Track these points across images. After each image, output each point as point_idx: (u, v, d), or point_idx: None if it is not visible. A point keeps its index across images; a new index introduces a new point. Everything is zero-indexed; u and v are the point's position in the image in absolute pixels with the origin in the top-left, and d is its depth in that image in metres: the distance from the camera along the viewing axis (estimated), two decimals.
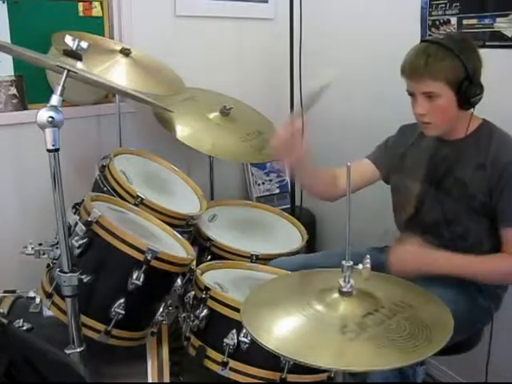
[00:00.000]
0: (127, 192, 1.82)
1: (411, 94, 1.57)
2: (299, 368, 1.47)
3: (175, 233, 1.82)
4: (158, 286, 1.63)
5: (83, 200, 1.62)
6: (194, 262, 1.75)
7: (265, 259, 1.91)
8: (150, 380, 1.60)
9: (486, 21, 1.87)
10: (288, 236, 2.16)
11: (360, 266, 1.17)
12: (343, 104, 2.59)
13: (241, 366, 1.49)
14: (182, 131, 2.15)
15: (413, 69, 1.53)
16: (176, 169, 2.16)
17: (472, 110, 1.56)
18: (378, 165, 1.80)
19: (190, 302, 1.62)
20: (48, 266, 1.65)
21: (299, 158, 1.61)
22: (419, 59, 1.51)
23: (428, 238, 1.69)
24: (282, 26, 2.45)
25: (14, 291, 1.87)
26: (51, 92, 1.39)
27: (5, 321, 1.49)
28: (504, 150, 1.54)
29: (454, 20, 1.98)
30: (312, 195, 1.80)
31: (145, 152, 2.13)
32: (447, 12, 2.00)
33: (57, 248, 1.58)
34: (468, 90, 1.49)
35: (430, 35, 2.05)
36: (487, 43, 1.85)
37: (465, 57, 1.49)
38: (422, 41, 1.71)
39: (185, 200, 2.05)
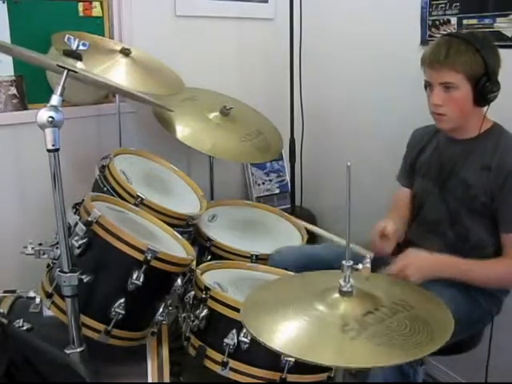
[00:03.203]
0: (127, 192, 1.82)
1: (429, 85, 1.58)
2: (299, 368, 1.47)
3: (175, 233, 1.82)
4: (158, 286, 1.63)
5: (83, 200, 1.62)
6: (194, 262, 1.75)
7: (265, 259, 1.91)
8: (149, 380, 1.60)
9: (486, 21, 1.87)
10: (288, 236, 2.16)
11: (360, 266, 1.17)
12: (343, 104, 2.59)
13: (241, 365, 1.49)
14: (182, 131, 2.15)
15: (434, 59, 1.54)
16: (176, 169, 2.16)
17: (486, 108, 1.57)
18: (407, 184, 1.82)
19: (190, 302, 1.62)
20: (48, 265, 1.65)
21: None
22: (441, 50, 1.52)
23: (431, 237, 1.69)
24: (282, 25, 2.45)
25: (14, 291, 1.86)
26: (51, 92, 1.39)
27: (5, 321, 1.49)
28: (510, 155, 1.54)
29: (453, 20, 1.98)
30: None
31: (145, 152, 2.13)
32: (447, 12, 2.00)
33: (57, 248, 1.58)
34: (485, 86, 1.51)
35: (430, 35, 2.05)
36: None
37: (485, 53, 1.51)
38: (444, 35, 1.71)
39: (185, 200, 2.05)
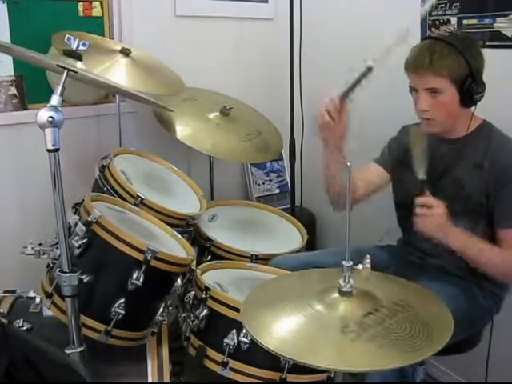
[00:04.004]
0: (127, 192, 1.82)
1: (414, 90, 1.57)
2: (299, 368, 1.47)
3: (175, 233, 1.82)
4: (158, 286, 1.63)
5: (83, 200, 1.62)
6: (194, 262, 1.75)
7: (265, 259, 1.91)
8: (149, 380, 1.59)
9: (486, 21, 1.87)
10: (288, 236, 2.16)
11: (360, 266, 1.17)
12: None
13: (241, 365, 1.49)
14: (182, 131, 2.15)
15: (417, 65, 1.53)
16: (176, 169, 2.16)
17: (473, 108, 1.56)
18: (385, 166, 1.81)
19: (190, 302, 1.62)
20: (48, 265, 1.65)
21: (339, 136, 1.60)
22: (424, 55, 1.52)
23: (426, 236, 1.68)
24: (282, 25, 2.45)
25: (14, 291, 1.86)
26: (51, 92, 1.38)
27: (5, 321, 1.49)
28: (502, 152, 1.54)
29: (453, 20, 1.98)
30: (331, 198, 1.80)
31: (145, 152, 2.13)
32: (447, 12, 2.00)
33: (57, 248, 1.58)
34: (471, 88, 1.50)
35: (429, 35, 2.05)
36: (487, 43, 1.85)
37: (468, 54, 1.50)
38: (425, 37, 1.71)
39: (185, 200, 2.05)
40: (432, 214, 1.44)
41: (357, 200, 1.77)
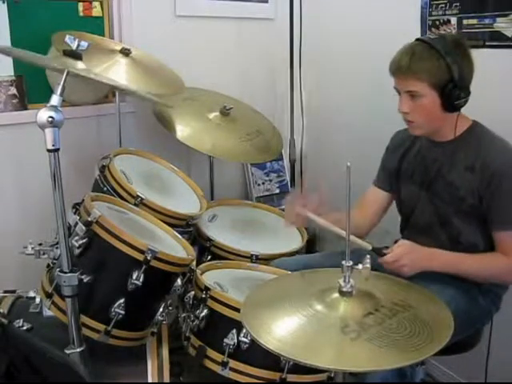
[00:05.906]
0: (127, 192, 1.82)
1: (398, 92, 1.57)
2: (299, 368, 1.47)
3: (175, 233, 1.82)
4: (158, 286, 1.63)
5: (83, 200, 1.62)
6: (194, 262, 1.75)
7: (265, 259, 1.91)
8: (150, 380, 1.60)
9: (486, 21, 1.87)
10: (288, 236, 2.16)
11: (360, 266, 1.17)
12: (343, 103, 2.60)
13: (241, 365, 1.49)
14: (182, 131, 2.15)
15: (397, 67, 1.52)
16: (176, 169, 2.16)
17: (458, 112, 1.54)
18: (382, 187, 1.81)
19: (190, 302, 1.62)
20: (48, 266, 1.65)
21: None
22: (404, 57, 1.50)
23: (425, 240, 1.68)
24: (282, 26, 2.45)
25: (14, 291, 1.86)
26: (51, 92, 1.39)
27: (5, 321, 1.49)
28: (494, 153, 1.52)
29: (453, 20, 1.98)
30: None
31: (145, 152, 2.13)
32: (447, 12, 2.00)
33: (57, 248, 1.58)
34: (452, 93, 1.47)
35: (429, 35, 2.05)
36: (487, 43, 1.85)
37: (451, 59, 1.46)
38: (416, 39, 1.70)
39: (185, 200, 2.05)
40: (402, 264, 1.45)
41: (365, 233, 1.79)
